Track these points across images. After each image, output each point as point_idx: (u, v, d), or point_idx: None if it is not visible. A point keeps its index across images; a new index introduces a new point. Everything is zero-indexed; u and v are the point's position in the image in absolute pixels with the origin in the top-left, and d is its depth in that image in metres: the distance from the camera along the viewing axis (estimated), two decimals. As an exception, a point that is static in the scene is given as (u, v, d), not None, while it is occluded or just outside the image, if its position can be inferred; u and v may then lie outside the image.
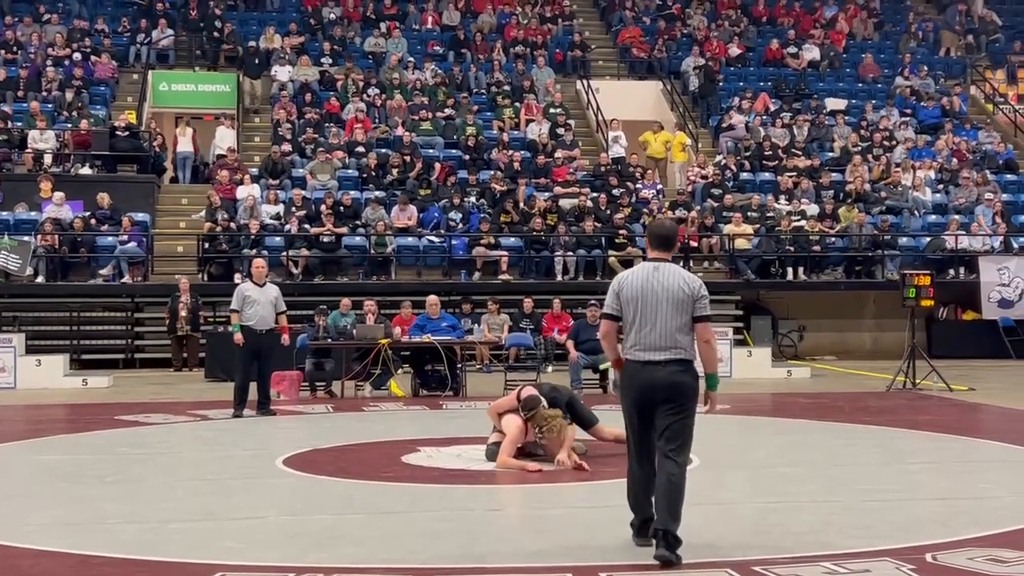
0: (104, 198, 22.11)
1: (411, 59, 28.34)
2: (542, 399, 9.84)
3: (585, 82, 28.80)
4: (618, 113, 26.96)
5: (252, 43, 27.91)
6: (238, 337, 13.64)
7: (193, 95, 27.44)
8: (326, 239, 22.01)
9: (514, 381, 16.61)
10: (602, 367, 16.68)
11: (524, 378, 16.77)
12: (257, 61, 27.39)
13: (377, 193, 23.46)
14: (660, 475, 6.42)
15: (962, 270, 23.55)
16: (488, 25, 30.47)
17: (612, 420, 12.77)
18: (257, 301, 13.71)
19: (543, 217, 22.90)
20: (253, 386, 13.83)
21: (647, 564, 6.25)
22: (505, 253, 22.43)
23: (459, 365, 16.49)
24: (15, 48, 27.34)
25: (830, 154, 26.77)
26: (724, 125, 27.10)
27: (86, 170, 23.50)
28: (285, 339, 14.11)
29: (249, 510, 7.96)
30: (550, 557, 6.45)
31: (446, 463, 9.94)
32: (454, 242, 22.55)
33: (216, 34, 28.10)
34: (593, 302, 17.84)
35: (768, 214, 23.96)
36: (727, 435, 12.33)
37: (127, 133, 24.03)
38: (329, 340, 16.50)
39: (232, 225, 22.03)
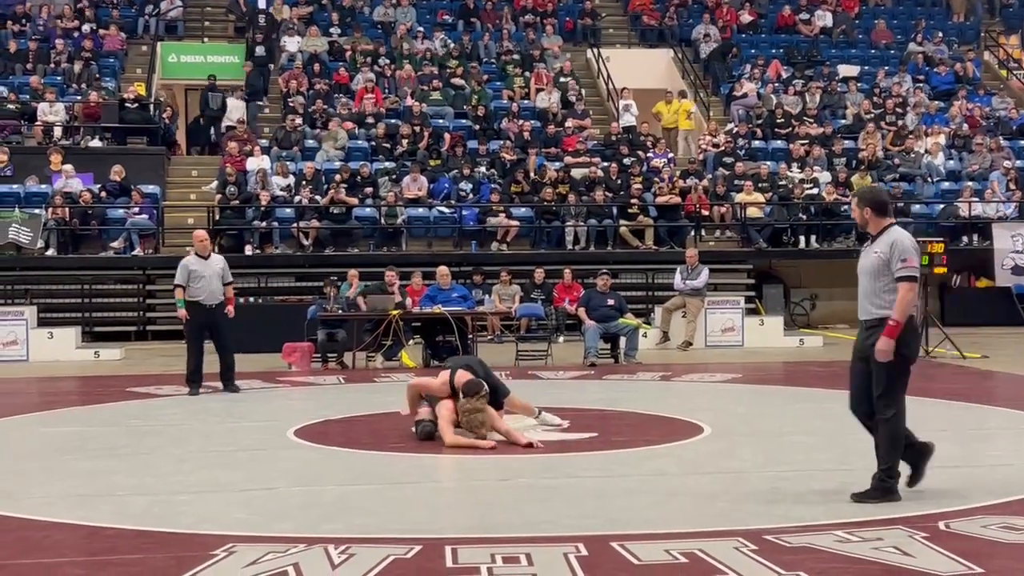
0: (120, 171, 22.08)
1: (420, 28, 28.21)
2: (484, 384, 9.27)
3: (595, 51, 28.64)
4: (629, 82, 26.82)
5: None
6: (181, 313, 13.27)
7: (202, 66, 27.35)
8: (336, 210, 21.95)
9: (526, 351, 16.62)
10: (624, 331, 16.65)
11: (535, 348, 16.79)
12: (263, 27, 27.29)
13: (387, 164, 23.41)
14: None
15: (975, 237, 23.44)
16: (497, -7, 30.27)
17: (610, 388, 12.73)
18: (203, 275, 13.23)
19: (554, 187, 22.81)
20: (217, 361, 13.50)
21: (658, 533, 6.23)
22: (516, 223, 22.35)
23: (470, 335, 16.46)
24: (24, 20, 27.27)
25: (842, 121, 26.60)
26: (736, 93, 26.92)
27: (96, 142, 23.50)
28: (230, 310, 13.51)
29: (260, 481, 7.95)
30: (561, 527, 6.42)
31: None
32: (464, 212, 22.48)
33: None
34: (604, 271, 17.82)
35: (780, 182, 23.84)
36: (739, 404, 12.32)
37: (136, 105, 23.99)
38: (340, 311, 16.49)
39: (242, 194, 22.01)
